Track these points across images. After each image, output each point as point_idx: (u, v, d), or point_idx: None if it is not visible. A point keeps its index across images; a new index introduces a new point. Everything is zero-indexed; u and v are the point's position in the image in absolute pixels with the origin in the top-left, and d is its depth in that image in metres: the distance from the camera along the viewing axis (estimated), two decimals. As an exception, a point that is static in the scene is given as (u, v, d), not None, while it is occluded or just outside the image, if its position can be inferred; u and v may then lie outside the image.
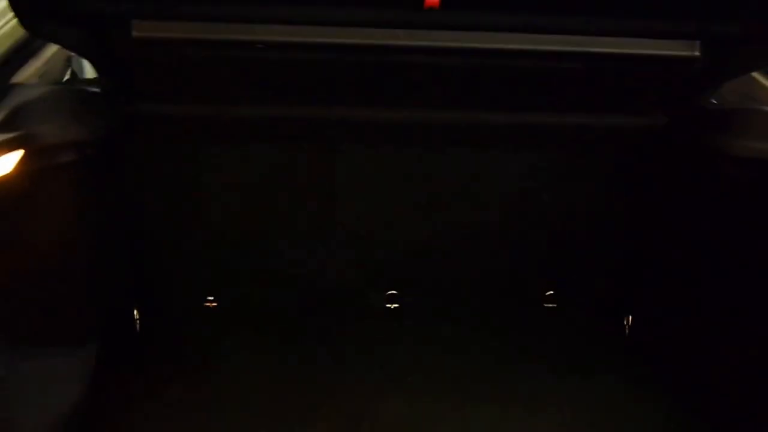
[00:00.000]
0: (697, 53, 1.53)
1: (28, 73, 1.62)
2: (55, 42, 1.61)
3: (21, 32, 1.62)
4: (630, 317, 2.13)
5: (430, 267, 2.09)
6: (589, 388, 1.91)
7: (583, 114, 1.79)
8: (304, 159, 1.91)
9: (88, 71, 1.79)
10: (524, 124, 1.82)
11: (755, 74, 1.77)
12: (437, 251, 2.06)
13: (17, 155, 1.37)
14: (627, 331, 2.14)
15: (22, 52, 1.65)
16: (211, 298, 2.07)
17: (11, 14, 1.36)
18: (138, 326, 2.02)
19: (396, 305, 2.13)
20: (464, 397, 1.84)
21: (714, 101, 1.79)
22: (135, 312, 2.01)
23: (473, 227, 2.03)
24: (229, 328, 2.04)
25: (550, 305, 2.18)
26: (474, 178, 1.96)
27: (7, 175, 1.36)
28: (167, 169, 1.89)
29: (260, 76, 1.64)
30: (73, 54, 1.75)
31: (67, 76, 1.76)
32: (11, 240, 1.52)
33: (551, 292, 2.16)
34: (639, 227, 2.05)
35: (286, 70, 1.61)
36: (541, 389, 1.89)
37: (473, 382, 1.90)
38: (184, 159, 1.88)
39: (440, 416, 1.78)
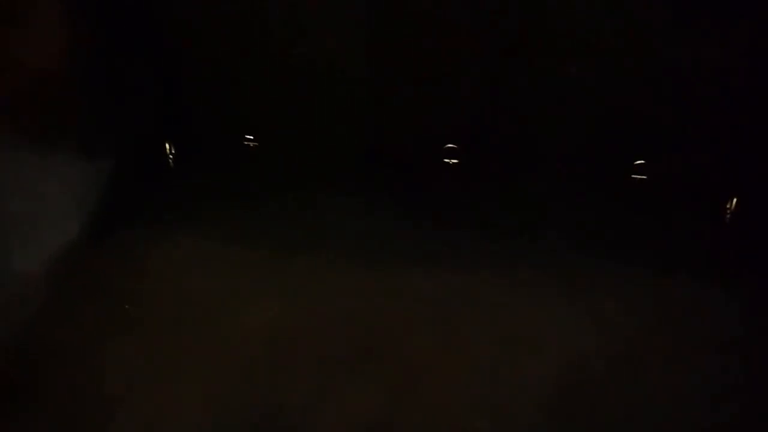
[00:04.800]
0: None
1: None
2: None
3: None
4: (735, 200, 1.74)
5: (498, 122, 1.81)
6: (668, 286, 1.56)
7: None
8: None
9: None
10: None
11: None
12: (507, 107, 1.78)
13: None
14: (728, 217, 1.76)
15: None
16: (251, 137, 1.92)
17: None
18: (171, 161, 1.93)
19: (455, 161, 1.90)
20: (511, 281, 1.58)
21: None
22: (167, 145, 1.93)
23: (550, 79, 1.71)
24: (268, 169, 1.92)
25: (639, 177, 1.80)
26: (553, 24, 1.64)
27: None
28: None
29: None
30: None
31: None
32: None
33: (641, 161, 1.80)
34: (755, 82, 1.66)
35: None
36: (605, 285, 1.56)
37: (521, 266, 1.62)
38: None
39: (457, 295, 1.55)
